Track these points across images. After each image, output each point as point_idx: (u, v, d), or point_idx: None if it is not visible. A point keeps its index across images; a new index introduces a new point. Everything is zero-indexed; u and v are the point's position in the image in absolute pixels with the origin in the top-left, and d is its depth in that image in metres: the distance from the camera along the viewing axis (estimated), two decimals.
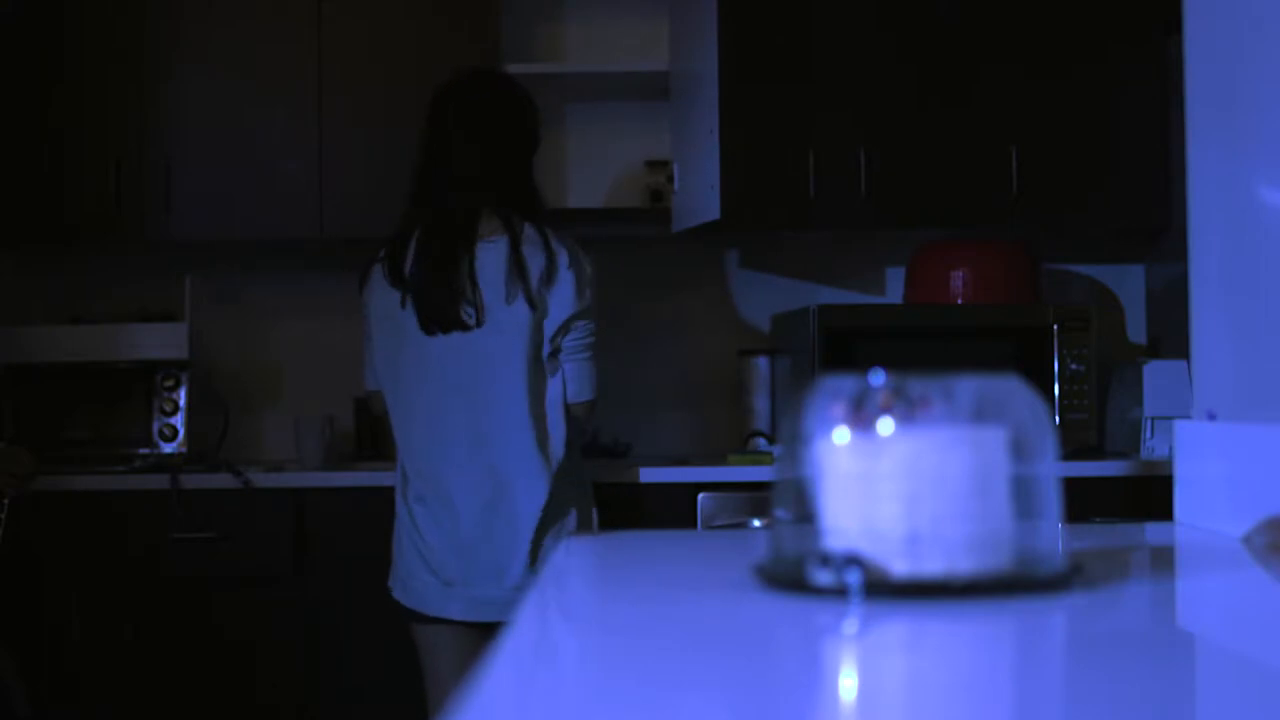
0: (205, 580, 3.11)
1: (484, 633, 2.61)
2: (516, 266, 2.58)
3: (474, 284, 2.58)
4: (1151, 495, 2.88)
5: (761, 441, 3.42)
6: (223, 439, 3.53)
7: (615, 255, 3.71)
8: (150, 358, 3.38)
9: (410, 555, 2.65)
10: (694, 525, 3.07)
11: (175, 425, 3.38)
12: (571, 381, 2.67)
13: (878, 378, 1.10)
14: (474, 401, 2.59)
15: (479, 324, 2.58)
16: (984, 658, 0.98)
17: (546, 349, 2.63)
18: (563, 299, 2.62)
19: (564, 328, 2.64)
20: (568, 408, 2.66)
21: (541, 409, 2.62)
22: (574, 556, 1.54)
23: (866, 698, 0.85)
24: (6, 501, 2.80)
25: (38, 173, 3.38)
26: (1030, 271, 3.45)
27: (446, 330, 2.59)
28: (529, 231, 2.62)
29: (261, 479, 3.11)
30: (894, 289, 3.68)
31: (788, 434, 1.16)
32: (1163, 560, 1.48)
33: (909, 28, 3.39)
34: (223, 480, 3.10)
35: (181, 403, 3.38)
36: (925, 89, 3.39)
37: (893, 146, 3.37)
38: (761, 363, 3.52)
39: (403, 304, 2.62)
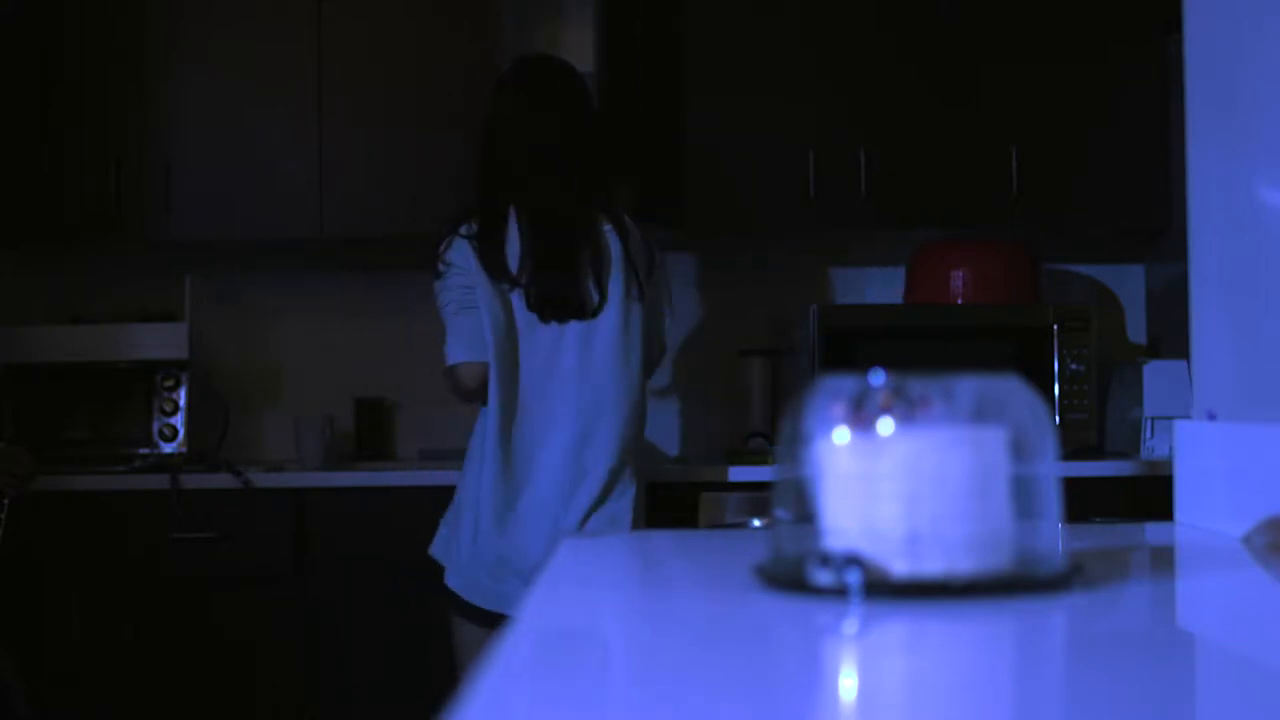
0: (205, 580, 3.11)
1: None
2: (627, 256, 2.57)
3: (595, 272, 2.55)
4: (1151, 495, 2.88)
5: (761, 441, 3.42)
6: (223, 439, 3.53)
7: None
8: (150, 358, 3.38)
9: (490, 559, 2.54)
10: (694, 525, 3.07)
11: (175, 425, 3.38)
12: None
13: (878, 378, 1.10)
14: (584, 394, 2.55)
15: (595, 314, 2.55)
16: (984, 658, 0.98)
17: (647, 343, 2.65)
18: (658, 292, 2.67)
19: (660, 323, 2.70)
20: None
21: (644, 404, 2.62)
22: (575, 556, 1.54)
23: (866, 698, 0.85)
24: (6, 501, 2.80)
25: (38, 173, 3.39)
26: (1030, 271, 3.45)
27: (563, 319, 2.55)
28: (629, 222, 2.62)
29: (261, 479, 3.10)
30: (894, 289, 3.68)
31: (788, 434, 1.16)
32: (1163, 560, 1.48)
33: (909, 28, 3.40)
34: (223, 480, 3.10)
35: (181, 403, 3.38)
36: (925, 89, 3.39)
37: (893, 146, 3.38)
38: (761, 363, 3.52)
39: (512, 288, 2.54)
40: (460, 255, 2.56)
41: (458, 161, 3.06)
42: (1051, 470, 1.14)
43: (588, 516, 2.54)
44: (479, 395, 2.59)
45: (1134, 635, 1.06)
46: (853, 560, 1.07)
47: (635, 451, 2.60)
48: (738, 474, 3.09)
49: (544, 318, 2.53)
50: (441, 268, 2.58)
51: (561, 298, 2.53)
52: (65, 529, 3.09)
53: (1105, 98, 3.40)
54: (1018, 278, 3.42)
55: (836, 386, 1.12)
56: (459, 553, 2.59)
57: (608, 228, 2.58)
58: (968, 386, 1.11)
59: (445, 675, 2.68)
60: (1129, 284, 3.78)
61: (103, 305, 3.61)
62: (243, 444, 3.66)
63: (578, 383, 2.54)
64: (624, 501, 2.57)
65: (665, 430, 3.70)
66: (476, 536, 2.56)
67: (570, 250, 2.54)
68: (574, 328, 2.55)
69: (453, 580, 2.60)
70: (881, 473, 1.08)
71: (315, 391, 3.69)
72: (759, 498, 3.04)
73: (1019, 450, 1.11)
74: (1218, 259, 1.72)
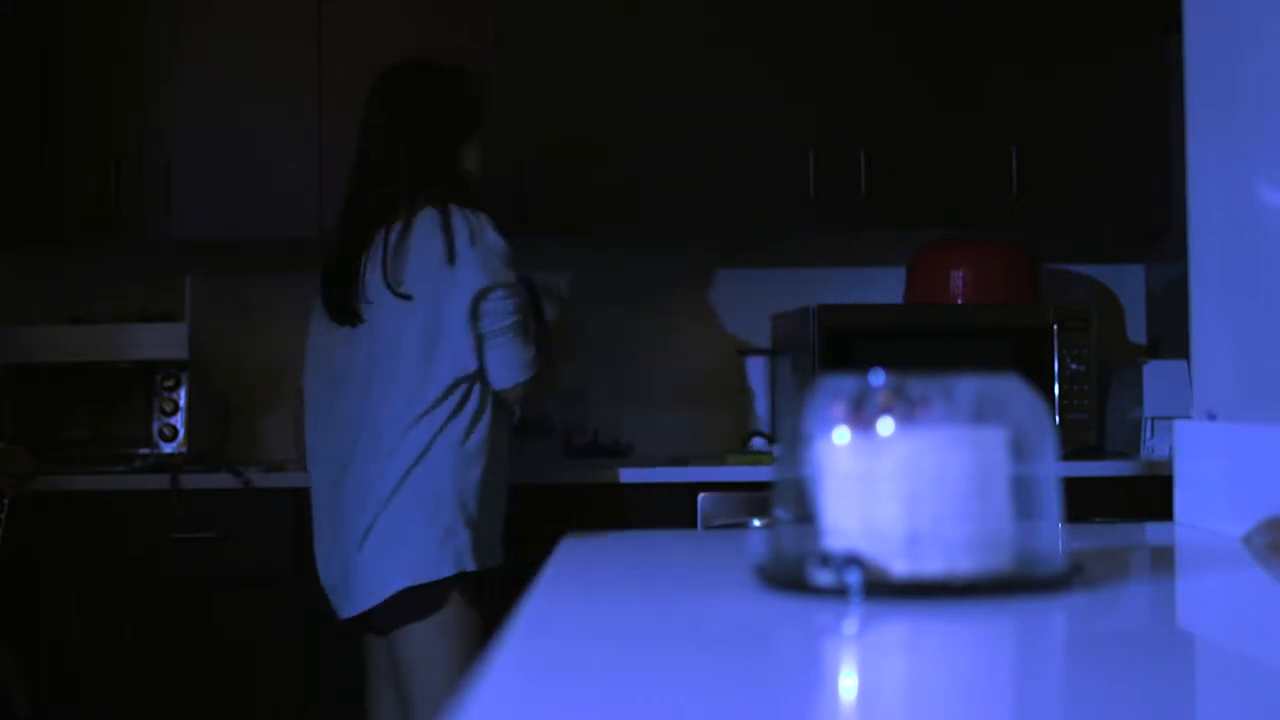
0: (205, 580, 3.10)
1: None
2: (403, 253, 2.50)
3: (364, 275, 2.54)
4: (1151, 495, 2.88)
5: (761, 441, 3.42)
6: (223, 439, 3.53)
7: (615, 254, 3.72)
8: (150, 358, 3.38)
9: (321, 572, 2.64)
10: (694, 525, 3.07)
11: (175, 425, 3.38)
12: (493, 366, 2.52)
13: (878, 378, 1.10)
14: (366, 395, 2.53)
15: (366, 317, 2.53)
16: (984, 658, 0.98)
17: (464, 337, 2.48)
18: (466, 281, 2.48)
19: (474, 311, 2.49)
20: (492, 394, 2.54)
21: (433, 398, 2.48)
22: (573, 557, 1.54)
23: (866, 698, 0.85)
24: (6, 501, 2.80)
25: (38, 173, 3.38)
26: (1030, 271, 3.45)
27: (341, 324, 2.56)
28: (427, 214, 2.51)
29: (261, 479, 3.10)
30: (894, 289, 3.68)
31: (788, 434, 1.16)
32: (1163, 560, 1.48)
33: (909, 28, 3.40)
34: (223, 480, 3.10)
35: (181, 403, 3.38)
36: (925, 89, 3.39)
37: (893, 146, 3.38)
38: (761, 363, 3.52)
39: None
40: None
41: None
42: (1051, 470, 1.14)
43: (374, 522, 2.49)
44: None
45: (1134, 635, 1.06)
46: (853, 560, 1.07)
47: (440, 451, 2.48)
48: (738, 474, 3.09)
49: (337, 322, 2.57)
50: None
51: (339, 303, 2.55)
52: (65, 529, 3.09)
53: (1105, 98, 3.40)
54: (1018, 278, 3.42)
55: (836, 386, 1.12)
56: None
57: (398, 226, 2.52)
58: (968, 386, 1.11)
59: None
60: (1129, 284, 3.78)
61: (103, 305, 3.61)
62: (243, 444, 3.66)
63: (360, 385, 2.54)
64: (409, 495, 2.47)
65: (666, 430, 3.69)
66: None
67: (343, 256, 2.57)
68: (354, 333, 2.55)
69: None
70: (881, 473, 1.08)
71: None
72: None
73: (1019, 450, 1.11)
74: (1218, 259, 1.72)
